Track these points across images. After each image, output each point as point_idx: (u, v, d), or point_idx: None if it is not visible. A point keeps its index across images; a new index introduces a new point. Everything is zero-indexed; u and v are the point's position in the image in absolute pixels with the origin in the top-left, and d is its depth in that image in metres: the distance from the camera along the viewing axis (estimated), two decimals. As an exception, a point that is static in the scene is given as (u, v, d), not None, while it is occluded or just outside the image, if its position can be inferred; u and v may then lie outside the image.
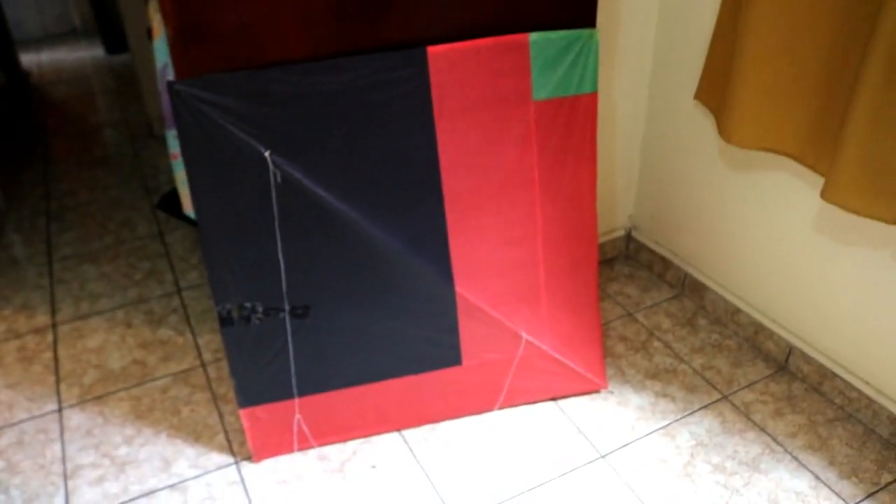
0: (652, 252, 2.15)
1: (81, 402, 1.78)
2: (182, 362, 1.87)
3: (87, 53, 4.36)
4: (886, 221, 1.33)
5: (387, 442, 1.64)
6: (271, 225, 1.40)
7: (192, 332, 1.97)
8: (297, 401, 1.56)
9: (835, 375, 1.69)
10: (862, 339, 1.62)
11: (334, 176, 1.39)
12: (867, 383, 1.64)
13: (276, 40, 1.31)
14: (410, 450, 1.63)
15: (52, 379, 1.85)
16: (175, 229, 2.42)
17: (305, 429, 1.59)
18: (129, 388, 1.81)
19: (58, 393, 1.81)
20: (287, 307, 1.47)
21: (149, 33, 1.93)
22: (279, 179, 1.37)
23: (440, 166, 1.44)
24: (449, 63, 1.37)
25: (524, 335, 1.62)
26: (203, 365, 1.86)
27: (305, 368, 1.53)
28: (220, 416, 1.72)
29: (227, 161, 1.34)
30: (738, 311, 1.91)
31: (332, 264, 1.46)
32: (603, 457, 1.60)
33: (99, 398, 1.78)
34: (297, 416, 1.57)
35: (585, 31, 1.42)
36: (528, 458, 1.60)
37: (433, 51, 1.35)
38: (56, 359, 1.91)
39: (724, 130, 1.55)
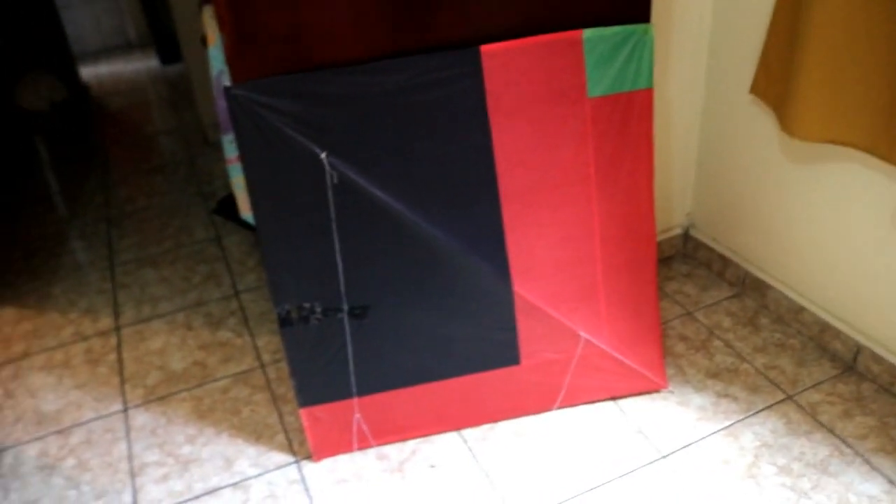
0: (710, 250, 2.11)
1: (146, 402, 1.82)
2: (241, 363, 1.91)
3: (142, 65, 4.48)
4: (962, 213, 1.28)
5: (446, 441, 1.64)
6: (328, 225, 1.42)
7: (251, 334, 2.00)
8: (356, 400, 1.57)
9: (906, 374, 1.64)
10: (935, 337, 1.56)
11: (390, 176, 1.40)
12: (942, 382, 1.58)
13: (330, 43, 1.32)
14: (470, 449, 1.62)
15: (117, 380, 1.90)
16: (231, 233, 2.47)
17: (365, 428, 1.60)
18: (191, 388, 1.84)
19: (122, 393, 1.85)
20: (345, 307, 1.48)
21: (203, 41, 1.97)
22: (336, 180, 1.38)
23: (496, 164, 1.44)
24: (503, 61, 1.37)
25: (582, 334, 1.60)
26: (262, 366, 1.89)
27: (364, 368, 1.54)
28: (280, 415, 1.74)
29: (285, 163, 1.36)
30: (802, 309, 1.86)
31: (390, 264, 1.46)
32: (664, 457, 1.57)
33: (162, 398, 1.82)
34: (357, 415, 1.58)
35: (640, 27, 1.41)
36: (587, 458, 1.58)
37: (486, 49, 1.35)
38: (120, 360, 1.97)
39: (786, 124, 1.51)
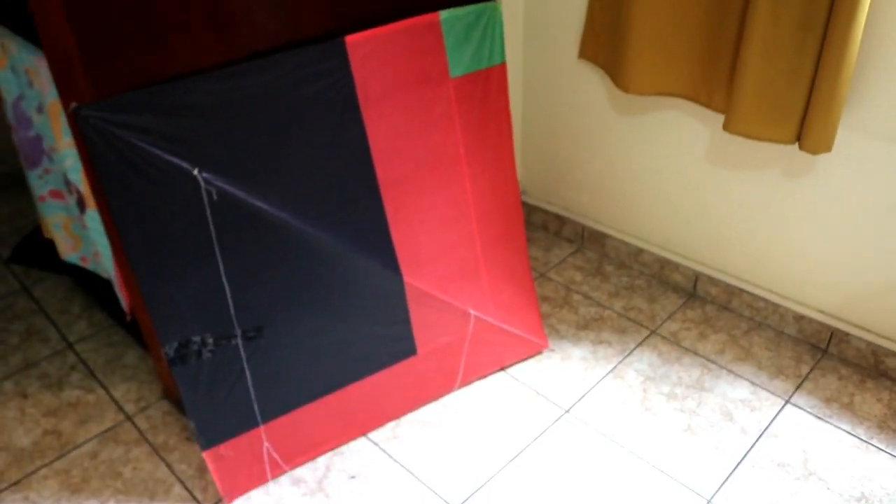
0: (545, 212, 2.24)
1: (-6, 491, 1.55)
2: (103, 421, 1.69)
3: None
4: (784, 142, 1.48)
5: (356, 449, 1.59)
6: (210, 247, 1.30)
7: (104, 387, 1.78)
8: (262, 428, 1.46)
9: (741, 291, 1.87)
10: (760, 253, 1.80)
11: (269, 183, 1.32)
12: (770, 291, 1.83)
13: (188, 46, 1.21)
14: (383, 450, 1.59)
15: (-53, 476, 1.60)
16: (41, 281, 2.16)
17: (275, 455, 1.50)
18: (50, 462, 1.60)
19: (-40, 489, 1.56)
20: (238, 332, 1.38)
21: (-19, 67, 1.70)
22: (214, 197, 1.27)
23: (372, 156, 1.41)
24: (369, 51, 1.34)
25: (472, 312, 1.63)
26: (129, 418, 1.69)
27: (267, 392, 1.44)
28: (168, 466, 1.57)
29: (153, 186, 1.22)
30: (640, 251, 2.04)
31: (280, 277, 1.38)
32: (567, 411, 1.66)
33: (16, 484, 1.56)
34: (266, 444, 1.48)
35: (489, 4, 1.44)
36: (499, 431, 1.62)
37: (352, 40, 1.31)
38: (-57, 452, 1.65)
39: (621, 82, 1.65)
